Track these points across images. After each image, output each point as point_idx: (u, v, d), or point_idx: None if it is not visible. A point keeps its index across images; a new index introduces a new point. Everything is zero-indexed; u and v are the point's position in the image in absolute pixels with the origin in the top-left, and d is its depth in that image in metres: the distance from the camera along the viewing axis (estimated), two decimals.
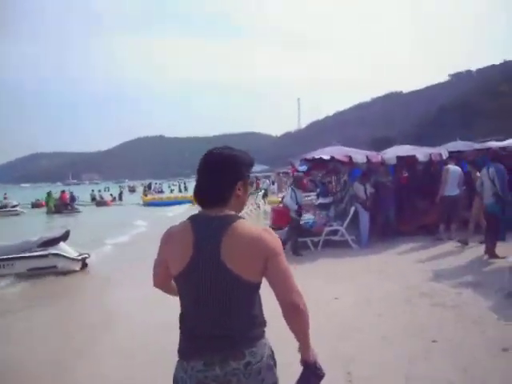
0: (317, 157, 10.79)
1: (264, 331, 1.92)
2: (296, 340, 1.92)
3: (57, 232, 10.36)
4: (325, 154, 10.74)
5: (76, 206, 31.75)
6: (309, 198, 26.24)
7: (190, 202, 31.42)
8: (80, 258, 9.75)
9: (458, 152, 11.72)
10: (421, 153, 10.98)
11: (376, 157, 10.75)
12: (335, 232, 10.70)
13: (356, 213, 10.56)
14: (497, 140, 13.98)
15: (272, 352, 1.93)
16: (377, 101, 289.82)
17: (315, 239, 10.72)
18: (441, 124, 78.32)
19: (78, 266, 9.74)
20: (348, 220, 10.57)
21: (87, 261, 10.10)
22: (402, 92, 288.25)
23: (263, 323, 1.93)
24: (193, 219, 1.92)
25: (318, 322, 2.53)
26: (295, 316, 1.84)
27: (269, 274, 1.84)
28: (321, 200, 20.93)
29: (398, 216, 10.89)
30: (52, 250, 9.47)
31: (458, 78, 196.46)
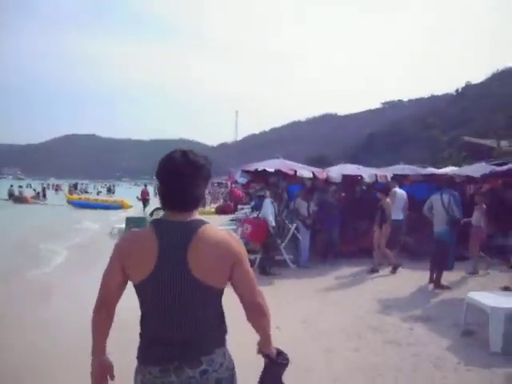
0: (260, 169, 10.07)
1: (225, 339, 1.92)
2: (260, 339, 2.01)
3: None
4: (269, 166, 10.05)
5: None
6: (243, 212, 25.74)
7: (119, 207, 29.91)
8: None
9: (402, 176, 11.48)
10: (366, 173, 10.62)
11: (322, 173, 10.24)
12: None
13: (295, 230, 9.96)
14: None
15: (233, 364, 1.92)
16: (313, 121, 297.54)
17: (250, 257, 9.97)
18: (372, 148, 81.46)
19: None
20: (288, 238, 9.91)
21: None
22: (337, 114, 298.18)
23: (225, 330, 1.93)
24: (156, 225, 1.87)
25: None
26: (260, 316, 1.94)
27: (234, 278, 1.87)
28: (255, 214, 20.43)
29: (341, 236, 10.39)
30: None
31: (390, 106, 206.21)
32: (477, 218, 8.62)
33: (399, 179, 10.75)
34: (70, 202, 31.67)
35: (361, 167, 11.44)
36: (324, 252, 10.46)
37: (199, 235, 1.81)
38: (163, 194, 1.89)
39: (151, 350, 1.83)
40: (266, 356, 2.02)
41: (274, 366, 2.01)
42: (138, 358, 1.89)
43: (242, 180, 12.48)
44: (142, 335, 1.90)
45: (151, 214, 15.90)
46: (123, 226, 15.60)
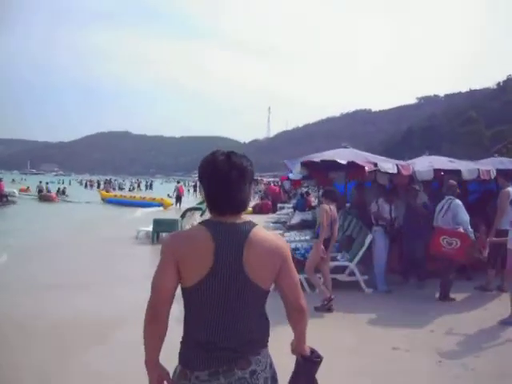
0: (327, 159, 7.51)
1: (268, 340, 1.93)
2: (297, 339, 2.02)
3: None
4: (339, 157, 7.52)
5: (13, 197, 27.66)
6: (284, 212, 23.37)
7: (159, 205, 27.22)
8: None
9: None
10: (465, 167, 8.01)
11: (407, 168, 7.66)
12: (342, 269, 7.59)
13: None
14: None
15: (272, 363, 1.93)
16: (345, 116, 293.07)
17: None
18: (407, 144, 77.83)
19: None
20: (361, 253, 7.47)
21: None
22: (370, 110, 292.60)
23: (268, 331, 1.94)
24: (209, 226, 1.82)
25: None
26: (302, 318, 1.98)
27: (281, 279, 1.89)
28: (301, 216, 17.89)
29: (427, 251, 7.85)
30: None
31: (426, 101, 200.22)
32: None
33: (507, 174, 8.04)
34: (105, 200, 29.66)
35: (454, 160, 8.81)
36: (405, 271, 7.99)
37: (252, 237, 1.81)
38: (210, 198, 1.86)
39: (199, 354, 1.78)
40: (301, 355, 2.00)
41: (308, 364, 2.00)
42: (182, 361, 1.83)
43: (296, 175, 9.99)
44: (186, 339, 1.85)
45: (183, 216, 13.68)
46: (150, 228, 13.54)
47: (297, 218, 16.78)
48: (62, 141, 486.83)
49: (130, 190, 50.41)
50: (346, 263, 7.52)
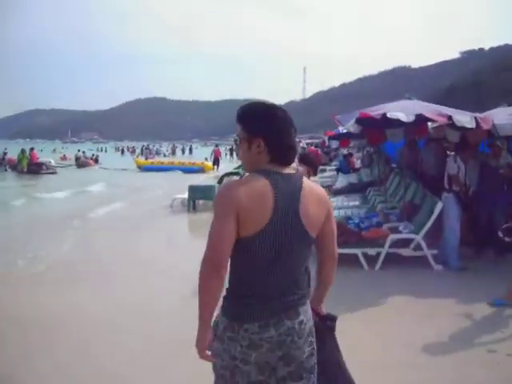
0: (392, 116, 6.14)
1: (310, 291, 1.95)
2: (320, 292, 2.07)
3: None
4: (404, 110, 6.16)
5: (53, 166, 27.48)
6: (326, 175, 22.12)
7: (200, 169, 26.07)
8: None
9: None
10: None
11: (487, 121, 6.29)
12: (405, 242, 6.47)
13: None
14: None
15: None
16: (383, 74, 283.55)
17: (370, 251, 6.53)
18: (451, 101, 73.73)
19: None
20: (430, 223, 6.31)
21: None
22: (410, 67, 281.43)
23: (310, 282, 1.96)
24: (267, 175, 1.78)
25: None
26: (334, 267, 2.04)
27: (325, 227, 1.92)
28: (346, 178, 16.65)
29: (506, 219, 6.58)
30: None
31: (469, 55, 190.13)
32: None
33: None
34: (141, 168, 28.20)
35: None
36: (480, 244, 6.80)
37: (305, 187, 1.84)
38: (276, 148, 1.81)
39: (249, 307, 1.76)
40: (317, 313, 2.00)
41: (320, 325, 1.97)
42: (230, 315, 1.79)
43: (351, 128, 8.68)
44: (233, 292, 1.81)
45: (220, 181, 12.75)
46: (185, 196, 12.72)
47: (343, 181, 15.62)
48: (99, 109, 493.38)
49: (164, 156, 49.82)
50: (412, 235, 6.38)
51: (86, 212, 11.61)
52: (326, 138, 27.92)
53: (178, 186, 15.57)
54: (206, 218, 9.89)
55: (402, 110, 6.14)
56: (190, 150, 60.12)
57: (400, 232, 6.54)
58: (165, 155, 51.18)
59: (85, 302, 5.29)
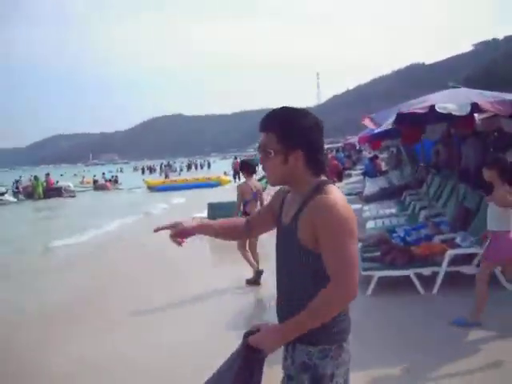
0: (441, 110, 5.01)
1: None
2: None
3: None
4: (455, 101, 5.04)
5: (71, 190, 27.05)
6: (352, 180, 21.02)
7: (216, 184, 24.91)
8: None
9: None
10: None
11: None
12: (466, 257, 5.39)
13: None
14: None
15: None
16: (398, 73, 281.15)
17: (424, 271, 5.48)
18: None
19: None
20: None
21: None
22: (424, 63, 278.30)
23: None
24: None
25: None
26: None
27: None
28: (375, 183, 15.56)
29: None
30: None
31: (483, 46, 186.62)
32: None
33: None
34: (153, 189, 26.56)
35: None
36: None
37: None
38: (315, 160, 1.70)
39: (346, 320, 1.70)
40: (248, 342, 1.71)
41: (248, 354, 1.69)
42: (339, 339, 1.66)
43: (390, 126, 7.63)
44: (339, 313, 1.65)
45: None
46: (204, 214, 11.84)
47: (372, 186, 14.52)
48: (118, 130, 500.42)
49: (180, 171, 49.15)
50: (474, 249, 5.30)
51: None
52: (356, 141, 26.94)
53: (197, 204, 14.74)
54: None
55: (450, 101, 5.08)
56: (209, 164, 59.48)
57: (459, 246, 5.46)
58: (180, 171, 50.67)
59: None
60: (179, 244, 1.90)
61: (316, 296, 1.57)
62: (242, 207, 6.22)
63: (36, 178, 25.88)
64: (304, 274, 1.65)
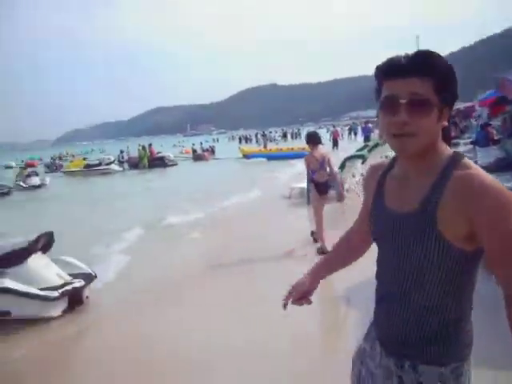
0: None
1: None
2: None
3: (19, 241, 5.14)
4: None
5: (172, 159, 28.16)
6: (460, 150, 19.52)
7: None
8: (61, 292, 4.82)
9: None
10: None
11: None
12: None
13: None
14: None
15: None
16: (508, 32, 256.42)
17: None
18: None
19: (56, 309, 4.83)
20: None
21: (90, 289, 5.27)
22: None
23: None
24: None
25: None
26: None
27: None
28: (489, 153, 14.26)
29: None
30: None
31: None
32: None
33: None
34: (247, 157, 27.29)
35: None
36: None
37: None
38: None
39: (470, 333, 1.36)
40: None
41: None
42: (471, 347, 1.36)
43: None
44: (460, 321, 1.32)
45: (341, 167, 11.36)
46: (304, 185, 11.53)
47: (486, 156, 13.27)
48: (214, 101, 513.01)
49: (270, 142, 49.14)
50: None
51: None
52: (476, 105, 25.17)
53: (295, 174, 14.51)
54: (330, 211, 8.66)
55: None
56: (299, 134, 58.63)
57: None
58: (278, 140, 50.65)
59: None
60: (308, 303, 1.72)
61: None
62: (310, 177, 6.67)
63: (144, 147, 27.22)
64: (440, 279, 1.27)
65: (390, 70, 1.25)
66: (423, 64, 1.22)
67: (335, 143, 27.70)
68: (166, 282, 5.84)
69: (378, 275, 1.44)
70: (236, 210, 10.81)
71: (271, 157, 25.55)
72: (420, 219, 1.25)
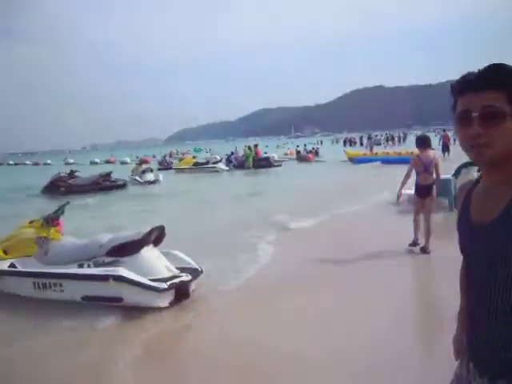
0: None
1: None
2: None
3: (133, 233, 5.44)
4: None
5: (277, 160, 28.46)
6: None
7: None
8: (169, 284, 5.00)
9: None
10: None
11: None
12: None
13: None
14: None
15: None
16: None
17: None
18: None
19: (164, 300, 5.04)
20: None
21: (195, 284, 5.42)
22: None
23: None
24: None
25: None
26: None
27: None
28: None
29: None
30: (114, 271, 4.96)
31: None
32: None
33: None
34: (353, 160, 26.60)
35: None
36: None
37: None
38: None
39: None
40: None
41: None
42: None
43: None
44: None
45: (456, 174, 10.67)
46: (412, 192, 10.94)
47: None
48: (318, 103, 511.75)
49: (384, 145, 47.62)
50: None
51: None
52: None
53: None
54: (442, 223, 8.23)
55: None
56: (404, 137, 56.06)
57: None
58: (385, 144, 49.15)
59: None
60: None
61: None
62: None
63: (250, 148, 27.95)
64: None
65: (462, 87, 1.32)
66: (494, 78, 1.28)
67: (446, 148, 25.56)
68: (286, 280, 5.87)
69: (472, 288, 1.43)
70: (348, 215, 10.52)
71: (377, 160, 24.92)
72: (498, 228, 1.28)
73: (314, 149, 37.93)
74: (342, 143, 62.36)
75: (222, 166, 27.96)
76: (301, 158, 32.31)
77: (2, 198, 18.69)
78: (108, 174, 20.57)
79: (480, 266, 1.35)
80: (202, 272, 5.54)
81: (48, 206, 12.52)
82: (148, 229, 5.32)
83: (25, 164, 71.71)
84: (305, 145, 40.69)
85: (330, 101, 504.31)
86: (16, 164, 75.32)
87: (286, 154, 39.12)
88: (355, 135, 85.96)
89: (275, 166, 27.25)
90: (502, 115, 1.26)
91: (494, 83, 1.28)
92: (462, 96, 1.32)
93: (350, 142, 60.12)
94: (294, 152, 37.91)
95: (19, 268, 5.62)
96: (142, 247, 5.24)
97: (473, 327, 1.41)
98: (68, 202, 6.53)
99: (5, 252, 5.93)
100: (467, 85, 1.31)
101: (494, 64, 1.32)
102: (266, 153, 32.00)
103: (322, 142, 75.09)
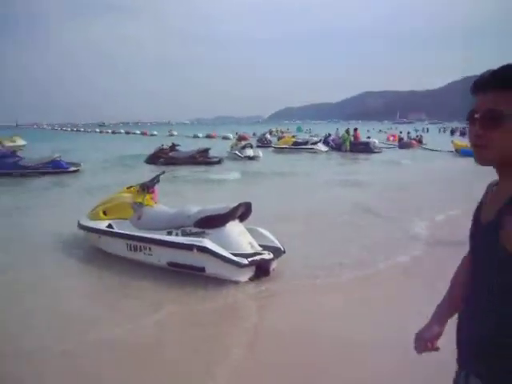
0: None
1: None
2: None
3: (221, 206, 5.50)
4: None
5: (377, 146, 27.51)
6: None
7: None
8: (250, 260, 5.05)
9: None
10: None
11: None
12: None
13: None
14: None
15: None
16: None
17: None
18: None
19: (244, 275, 5.12)
20: None
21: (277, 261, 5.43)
22: None
23: None
24: None
25: None
26: None
27: None
28: None
29: None
30: (199, 241, 5.11)
31: None
32: None
33: None
34: (459, 151, 24.79)
35: None
36: None
37: None
38: None
39: None
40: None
41: None
42: None
43: None
44: None
45: None
46: None
47: None
48: (428, 89, 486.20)
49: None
50: None
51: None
52: None
53: None
54: None
55: None
56: None
57: None
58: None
59: None
60: (436, 350, 1.60)
61: None
62: None
63: (347, 131, 27.45)
64: (505, 293, 1.25)
65: (475, 86, 1.34)
66: (503, 78, 1.26)
67: None
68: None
69: (471, 287, 1.44)
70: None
71: None
72: (490, 228, 1.29)
73: (417, 136, 36.11)
74: (448, 132, 58.90)
75: (321, 146, 27.52)
76: (403, 144, 30.93)
77: (123, 164, 20.91)
78: (206, 150, 21.18)
79: (476, 263, 1.39)
80: (284, 252, 5.54)
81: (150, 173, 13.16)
82: (235, 204, 5.40)
83: (134, 133, 76.23)
84: (408, 132, 38.79)
85: (441, 86, 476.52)
86: (127, 133, 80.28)
87: (388, 140, 37.58)
88: (466, 125, 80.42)
89: (375, 152, 26.15)
90: (501, 118, 1.25)
91: (502, 83, 1.27)
92: (475, 95, 1.35)
93: (460, 132, 56.43)
94: (396, 137, 36.51)
95: (115, 229, 6.02)
96: (227, 221, 5.35)
97: (459, 328, 1.44)
98: (163, 172, 6.84)
99: (104, 213, 6.38)
100: (478, 84, 1.33)
101: (506, 64, 1.29)
102: (369, 137, 31.02)
103: (428, 130, 71.38)
